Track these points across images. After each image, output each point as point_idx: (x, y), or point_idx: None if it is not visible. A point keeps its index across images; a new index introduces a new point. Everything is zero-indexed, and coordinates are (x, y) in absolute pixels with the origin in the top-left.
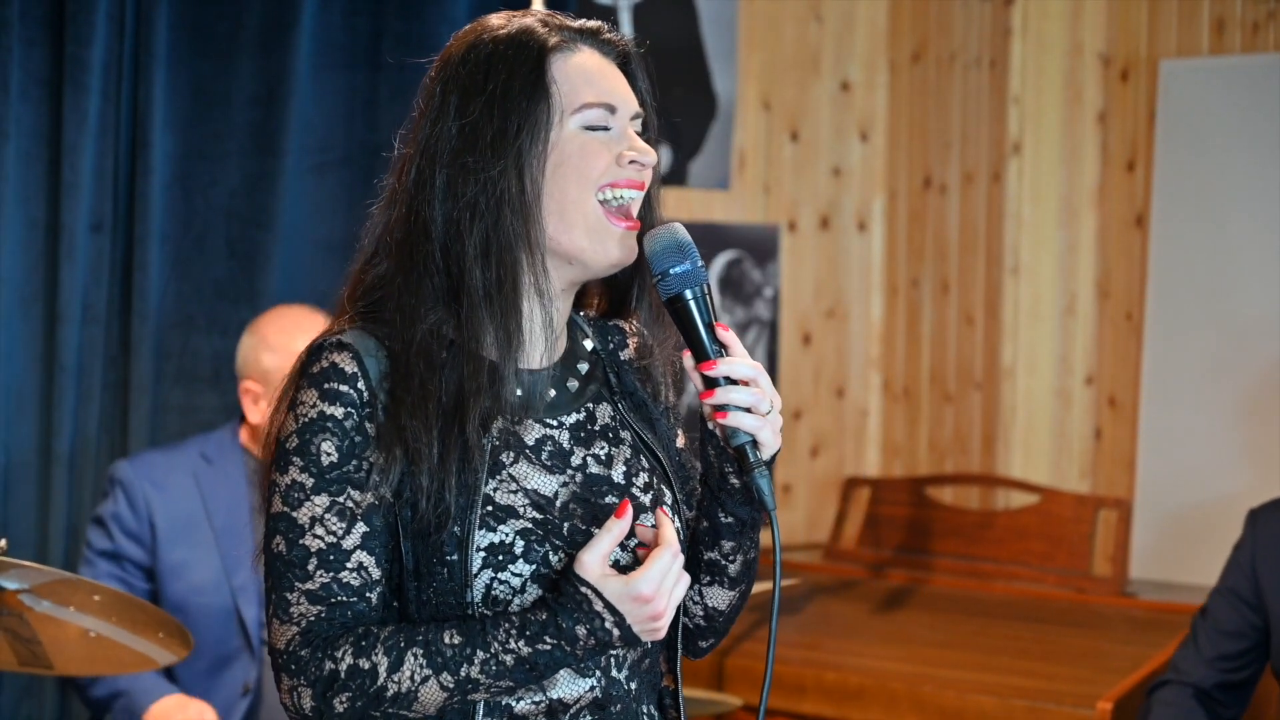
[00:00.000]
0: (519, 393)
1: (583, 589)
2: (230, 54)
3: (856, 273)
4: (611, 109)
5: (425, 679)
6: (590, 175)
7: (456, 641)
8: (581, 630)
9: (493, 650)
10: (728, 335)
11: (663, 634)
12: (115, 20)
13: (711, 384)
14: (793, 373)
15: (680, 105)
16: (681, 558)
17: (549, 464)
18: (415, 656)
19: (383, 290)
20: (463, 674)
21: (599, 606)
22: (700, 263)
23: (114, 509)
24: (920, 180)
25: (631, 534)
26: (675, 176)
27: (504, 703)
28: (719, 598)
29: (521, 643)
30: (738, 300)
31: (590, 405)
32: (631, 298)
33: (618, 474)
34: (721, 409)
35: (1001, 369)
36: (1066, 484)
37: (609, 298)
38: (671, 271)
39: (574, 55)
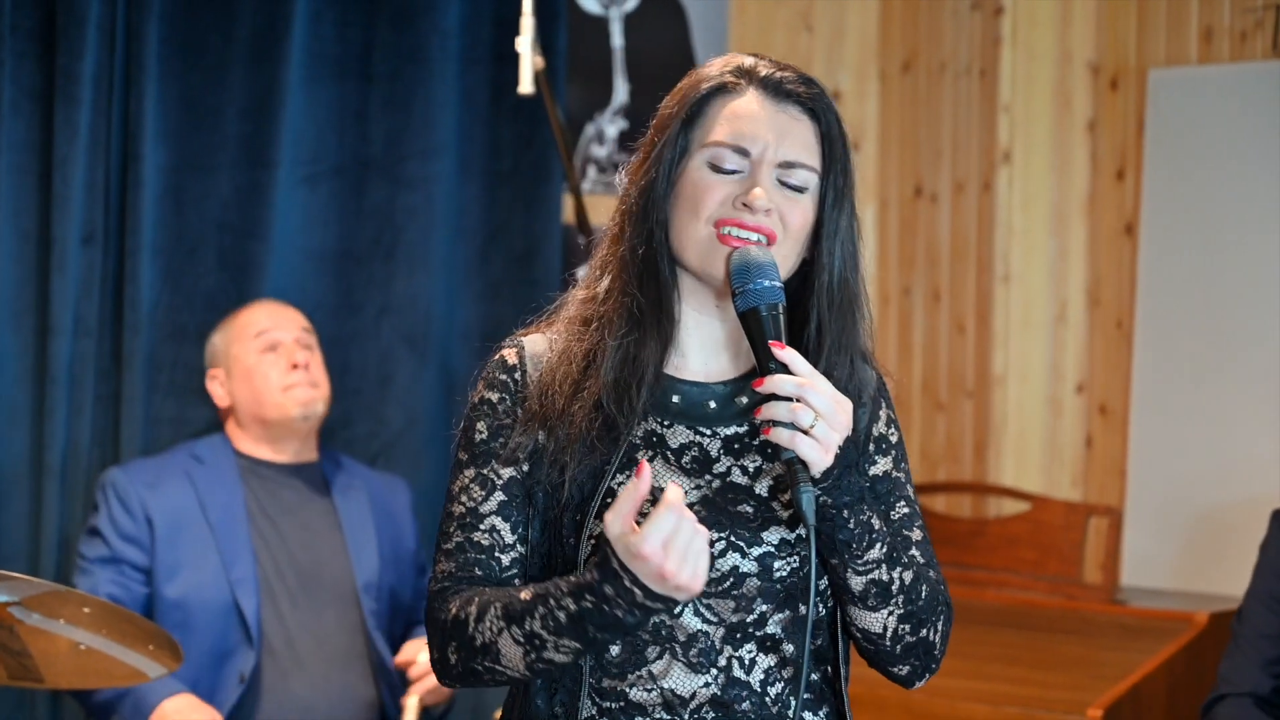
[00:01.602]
0: (675, 399)
1: (605, 547)
2: (221, 66)
3: None
4: (743, 152)
5: (500, 630)
6: (700, 209)
7: (526, 597)
8: (609, 589)
9: (550, 605)
10: (785, 354)
11: (692, 592)
12: (106, 33)
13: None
14: None
15: None
16: (690, 519)
17: (688, 467)
18: (494, 608)
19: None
20: (527, 627)
21: (615, 564)
22: (769, 284)
23: (109, 515)
24: (911, 189)
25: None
26: None
27: (618, 688)
28: (864, 619)
29: (569, 599)
30: None
31: (756, 421)
32: None
33: (761, 487)
34: (765, 425)
35: (993, 377)
36: (1058, 492)
37: None
38: (738, 290)
39: (737, 98)
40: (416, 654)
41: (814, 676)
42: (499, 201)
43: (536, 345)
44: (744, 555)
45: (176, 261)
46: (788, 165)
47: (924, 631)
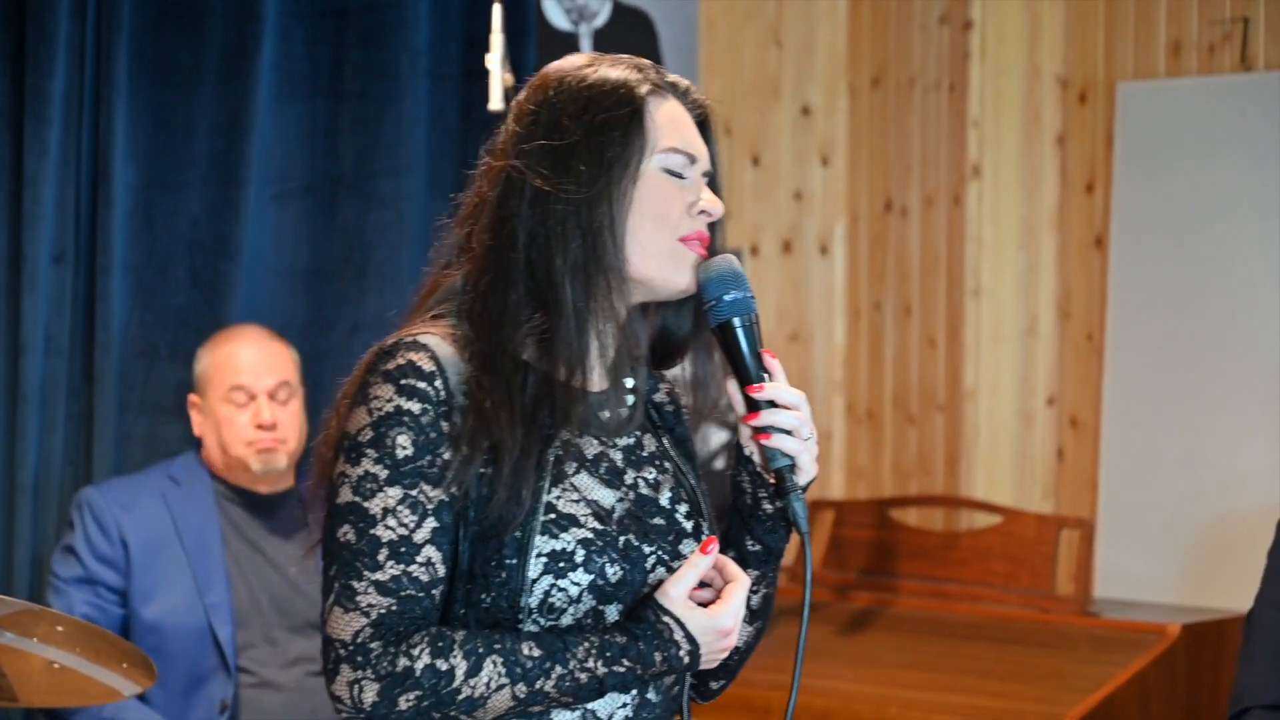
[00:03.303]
0: (580, 406)
1: (665, 619)
2: (191, 84)
3: (819, 296)
4: (692, 159)
5: (500, 687)
6: (667, 219)
7: (536, 654)
8: (658, 656)
9: (570, 667)
10: (774, 363)
11: (719, 661)
12: (75, 51)
13: (755, 407)
14: None
15: None
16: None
17: (606, 478)
18: (494, 664)
19: (463, 296)
20: (537, 686)
21: (679, 636)
22: (750, 293)
23: (84, 535)
24: (881, 203)
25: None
26: None
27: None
28: (740, 632)
29: (599, 663)
30: None
31: (639, 434)
32: (688, 348)
33: (664, 499)
34: (764, 431)
35: (964, 391)
36: (1029, 504)
37: (660, 346)
38: (724, 299)
39: (665, 103)
40: None
41: (676, 690)
42: None
43: (443, 349)
44: (668, 570)
45: (147, 280)
46: (708, 174)
47: (756, 644)
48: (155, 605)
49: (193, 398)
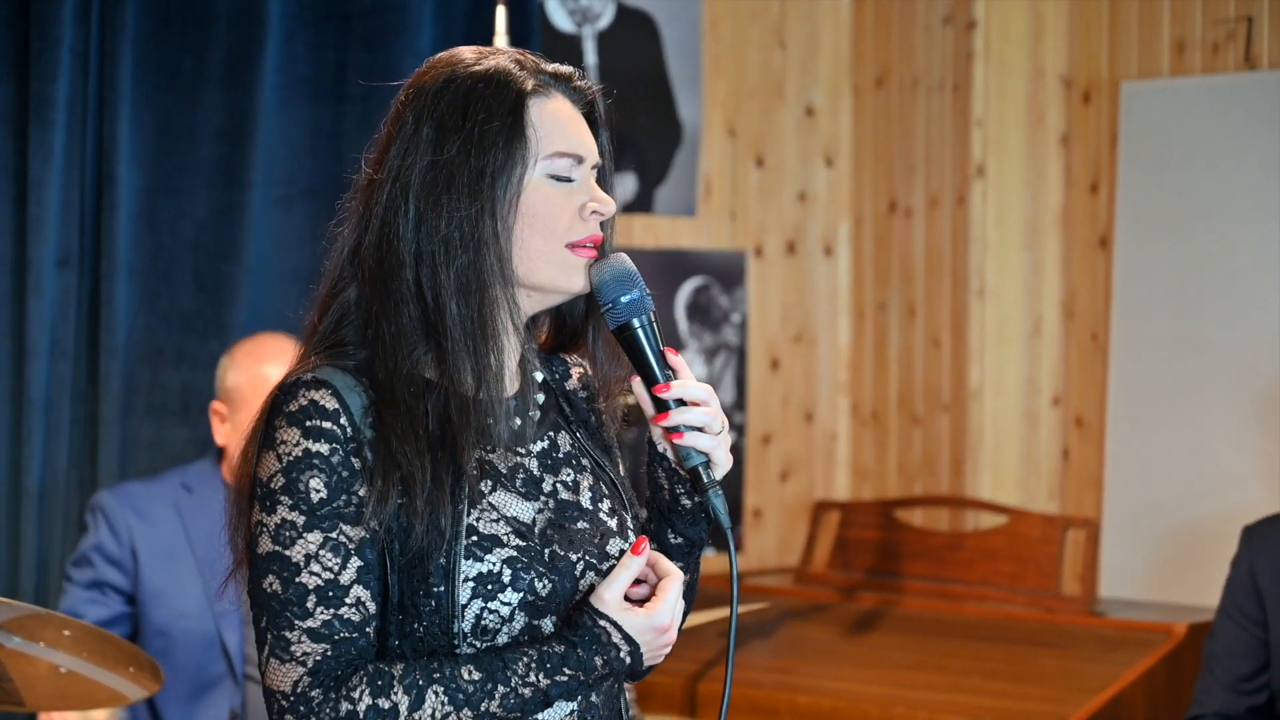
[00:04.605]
0: (490, 421)
1: (602, 623)
2: (195, 88)
3: (823, 297)
4: (579, 159)
5: (446, 716)
6: (556, 231)
7: (476, 678)
8: (599, 661)
9: (513, 685)
10: (677, 360)
11: (662, 657)
12: (80, 56)
13: (663, 407)
14: (761, 398)
15: (645, 133)
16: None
17: (523, 490)
18: (436, 694)
19: (356, 317)
20: (483, 709)
21: (617, 638)
22: (646, 291)
23: (96, 539)
24: (885, 204)
25: (604, 559)
26: (641, 203)
27: None
28: None
29: (541, 676)
30: (705, 326)
31: (551, 434)
32: (586, 334)
33: (585, 500)
34: (675, 430)
35: (969, 391)
36: (1035, 504)
37: (558, 332)
38: (621, 300)
39: (549, 101)
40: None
41: (618, 687)
42: None
43: (344, 381)
44: (598, 573)
45: (152, 283)
46: (596, 166)
47: (681, 628)
48: (164, 609)
49: (218, 407)
